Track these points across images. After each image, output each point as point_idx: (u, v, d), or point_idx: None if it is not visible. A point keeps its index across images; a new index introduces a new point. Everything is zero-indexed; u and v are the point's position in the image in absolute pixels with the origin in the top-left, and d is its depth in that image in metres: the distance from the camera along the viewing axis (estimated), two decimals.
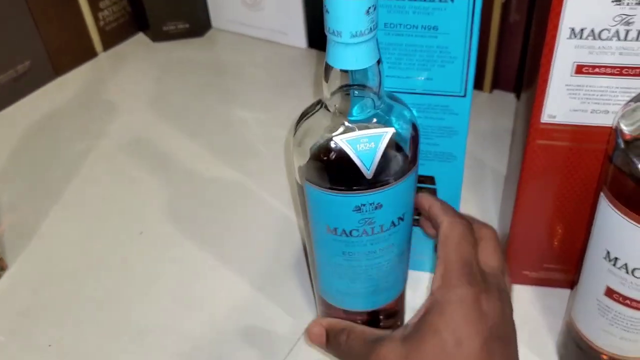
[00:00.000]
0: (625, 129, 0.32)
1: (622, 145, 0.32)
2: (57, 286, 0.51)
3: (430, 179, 0.44)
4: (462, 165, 0.42)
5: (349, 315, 0.42)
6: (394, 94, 0.36)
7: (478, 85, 0.67)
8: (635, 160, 0.31)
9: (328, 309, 0.43)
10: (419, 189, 0.44)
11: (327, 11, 0.29)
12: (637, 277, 0.34)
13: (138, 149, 0.64)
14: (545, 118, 0.38)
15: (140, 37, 0.81)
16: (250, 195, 0.58)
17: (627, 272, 0.34)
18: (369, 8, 0.29)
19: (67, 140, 0.66)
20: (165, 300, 0.50)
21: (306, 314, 0.48)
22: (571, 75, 0.36)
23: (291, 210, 0.56)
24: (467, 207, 0.55)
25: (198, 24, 0.79)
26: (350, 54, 0.30)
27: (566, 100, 0.37)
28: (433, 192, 0.44)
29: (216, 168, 0.61)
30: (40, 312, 0.49)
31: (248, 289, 0.50)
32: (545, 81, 0.36)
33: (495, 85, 0.68)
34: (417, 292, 0.49)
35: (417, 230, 0.41)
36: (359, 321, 0.41)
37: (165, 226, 0.56)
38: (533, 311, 0.47)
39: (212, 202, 0.58)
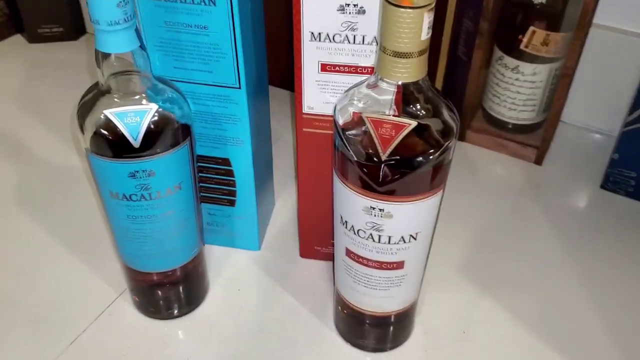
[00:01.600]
0: (340, 119, 0.39)
1: (340, 133, 0.39)
2: None
3: (226, 161, 0.50)
4: (250, 149, 0.49)
5: (146, 277, 0.48)
6: (169, 80, 0.43)
7: None
8: (347, 145, 0.38)
9: (129, 273, 0.49)
10: (218, 170, 0.51)
11: (87, 3, 0.36)
12: (362, 237, 0.42)
13: None
14: (305, 109, 0.45)
15: (17, 38, 0.86)
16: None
17: (355, 233, 0.42)
18: (120, 2, 0.35)
19: None
20: (1, 272, 0.55)
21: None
22: (318, 72, 0.43)
23: None
24: (280, 191, 0.62)
25: (72, 28, 0.84)
26: (110, 39, 0.37)
27: (318, 94, 0.44)
28: (230, 173, 0.51)
29: (65, 156, 0.66)
30: None
31: (76, 260, 0.55)
32: (299, 77, 0.44)
33: None
34: (227, 264, 0.55)
35: (229, 210, 0.47)
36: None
37: (10, 207, 0.60)
38: (321, 282, 0.54)
39: (56, 186, 0.63)
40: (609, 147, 0.66)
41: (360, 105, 0.38)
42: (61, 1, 0.81)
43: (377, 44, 0.41)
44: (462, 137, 0.70)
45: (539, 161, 0.67)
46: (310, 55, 0.43)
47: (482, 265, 0.56)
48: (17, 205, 0.61)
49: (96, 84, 0.40)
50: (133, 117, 0.39)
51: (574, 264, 0.56)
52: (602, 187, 0.64)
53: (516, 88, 0.65)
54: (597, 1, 0.57)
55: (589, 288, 0.54)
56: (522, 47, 0.62)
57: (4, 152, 0.67)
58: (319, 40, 0.42)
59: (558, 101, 0.63)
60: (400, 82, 0.36)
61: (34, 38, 0.84)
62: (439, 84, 0.66)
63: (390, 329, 0.49)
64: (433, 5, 0.33)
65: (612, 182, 0.63)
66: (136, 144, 0.40)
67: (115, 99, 0.40)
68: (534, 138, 0.68)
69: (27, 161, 0.66)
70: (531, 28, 0.61)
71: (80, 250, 0.56)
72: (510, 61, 0.64)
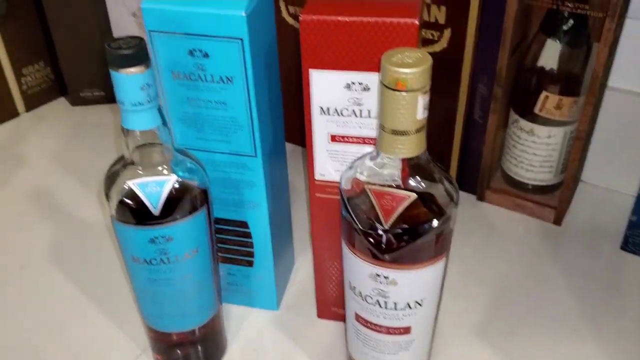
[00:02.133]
0: (345, 189, 0.41)
1: (346, 202, 0.41)
2: None
3: (244, 224, 0.53)
4: (267, 212, 0.51)
5: (166, 336, 0.50)
6: (189, 151, 0.46)
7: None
8: (352, 214, 0.40)
9: (150, 332, 0.51)
10: (236, 232, 0.53)
11: (114, 86, 0.39)
12: (369, 303, 0.43)
13: (35, 196, 0.73)
14: (317, 176, 0.48)
15: (61, 101, 0.91)
16: None
17: (363, 299, 0.43)
18: (143, 86, 0.39)
19: None
20: (28, 322, 0.57)
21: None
22: (328, 143, 0.46)
23: None
24: (301, 249, 0.64)
25: (112, 92, 0.89)
26: (134, 118, 0.40)
27: (329, 162, 0.47)
28: (248, 235, 0.53)
29: (101, 215, 0.70)
30: None
31: (103, 317, 0.58)
32: (311, 147, 0.46)
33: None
34: (245, 323, 0.57)
35: (247, 270, 0.49)
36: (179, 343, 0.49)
37: (44, 263, 0.64)
38: (337, 343, 0.55)
39: (90, 245, 0.66)
40: (629, 207, 0.66)
41: (364, 176, 0.40)
42: (102, 67, 0.87)
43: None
44: (481, 197, 0.71)
45: (557, 221, 0.68)
46: (321, 127, 0.45)
47: (498, 328, 0.56)
48: (49, 261, 0.64)
49: (122, 157, 0.44)
50: (154, 187, 0.42)
51: (592, 328, 0.56)
52: (623, 248, 0.64)
53: (532, 150, 0.66)
54: (608, 67, 0.58)
55: (608, 353, 0.53)
56: (535, 111, 0.64)
57: (42, 209, 0.71)
58: (328, 114, 0.44)
59: (573, 163, 0.64)
60: (399, 158, 0.38)
61: (77, 101, 0.89)
62: (456, 146, 0.68)
63: None
64: (427, 88, 0.35)
65: (632, 243, 0.63)
66: (156, 212, 0.43)
67: (139, 171, 0.43)
68: (553, 198, 0.69)
69: (63, 220, 0.70)
70: (544, 93, 0.62)
71: (107, 307, 0.59)
72: (526, 124, 0.65)
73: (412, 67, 0.34)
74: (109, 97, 0.90)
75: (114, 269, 0.63)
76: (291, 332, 0.56)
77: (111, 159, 0.70)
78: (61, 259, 0.65)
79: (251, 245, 0.54)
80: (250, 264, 0.55)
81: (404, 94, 0.35)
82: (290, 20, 0.69)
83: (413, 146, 0.37)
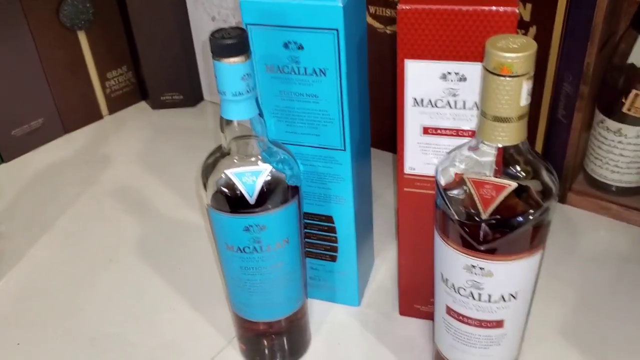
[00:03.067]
0: (442, 180, 0.41)
1: (442, 193, 0.41)
2: (34, 300, 0.62)
3: (329, 218, 0.53)
4: (352, 207, 0.52)
5: (253, 325, 0.51)
6: (281, 143, 0.47)
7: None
8: (448, 204, 0.40)
9: (237, 320, 0.52)
10: (321, 227, 0.54)
11: (215, 77, 0.41)
12: (462, 295, 0.43)
13: (122, 194, 0.76)
14: (407, 170, 0.48)
15: (142, 105, 0.95)
16: (205, 237, 0.68)
17: (455, 291, 0.43)
18: (244, 75, 0.40)
19: (66, 185, 0.78)
20: (118, 312, 0.59)
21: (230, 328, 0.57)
22: (420, 135, 0.46)
23: None
24: (379, 249, 0.64)
25: (191, 96, 0.92)
26: (234, 108, 0.41)
27: (420, 155, 0.47)
28: (332, 230, 0.54)
29: (184, 212, 0.72)
30: (15, 319, 0.59)
31: (190, 308, 0.59)
32: (402, 140, 0.47)
33: None
34: (327, 317, 0.57)
35: (331, 265, 0.50)
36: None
37: (131, 257, 0.66)
38: (420, 340, 0.55)
39: (175, 240, 0.68)
40: None
41: (462, 166, 0.40)
42: (181, 71, 0.90)
43: (477, 108, 0.43)
44: (562, 200, 0.69)
45: None
46: (413, 119, 0.45)
47: (585, 329, 0.54)
48: (138, 255, 0.66)
49: (219, 147, 0.45)
50: (250, 177, 0.43)
51: None
52: None
53: (619, 151, 0.64)
54: None
55: None
56: (624, 110, 0.62)
57: (128, 207, 0.74)
58: (422, 105, 0.44)
59: None
60: (500, 145, 0.37)
61: (157, 104, 0.92)
62: (538, 146, 0.67)
63: None
64: (532, 74, 0.35)
65: None
66: (252, 200, 0.43)
67: (235, 160, 0.44)
68: (639, 201, 0.67)
69: (148, 216, 0.72)
70: (634, 91, 0.61)
71: (194, 299, 0.60)
72: (612, 124, 0.64)
73: (517, 52, 0.34)
74: (188, 100, 0.92)
75: (200, 263, 0.65)
76: (374, 328, 0.56)
77: (190, 159, 0.73)
78: (148, 252, 0.67)
79: (335, 240, 0.54)
80: (333, 259, 0.56)
81: (508, 79, 0.34)
82: (370, 21, 0.70)
83: (515, 134, 0.37)
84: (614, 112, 0.63)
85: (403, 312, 0.57)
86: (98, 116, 0.91)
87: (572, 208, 0.69)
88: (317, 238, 0.55)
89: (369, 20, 0.70)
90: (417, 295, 0.55)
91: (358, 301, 0.58)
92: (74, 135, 0.88)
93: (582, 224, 0.67)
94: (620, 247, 0.64)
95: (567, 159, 0.67)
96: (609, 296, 0.58)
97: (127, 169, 0.81)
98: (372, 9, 0.69)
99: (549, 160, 0.69)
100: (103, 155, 0.84)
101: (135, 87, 0.93)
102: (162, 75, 0.89)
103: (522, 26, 0.61)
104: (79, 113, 0.88)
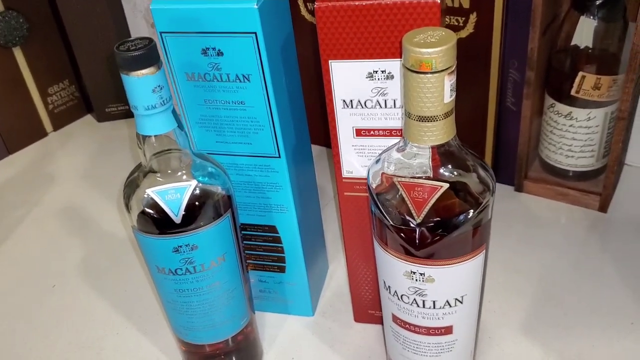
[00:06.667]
0: (374, 184, 0.39)
1: (375, 197, 0.39)
2: None
3: (272, 228, 0.51)
4: (295, 215, 0.49)
5: (198, 348, 0.49)
6: (210, 155, 0.44)
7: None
8: (382, 209, 0.38)
9: (181, 345, 0.49)
10: (265, 237, 0.52)
11: (126, 91, 0.38)
12: (406, 303, 0.41)
13: (65, 214, 0.73)
14: (345, 174, 0.46)
15: (88, 118, 0.91)
16: None
17: (399, 299, 0.41)
18: (155, 88, 0.37)
19: (9, 208, 0.75)
20: (63, 341, 0.57)
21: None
22: (353, 137, 0.44)
23: None
24: (334, 254, 0.62)
25: None
26: (149, 122, 0.39)
27: (356, 158, 0.44)
28: (277, 240, 0.51)
29: (129, 230, 0.69)
30: None
31: (136, 331, 0.57)
32: (336, 144, 0.44)
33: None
34: (281, 331, 0.55)
35: (280, 276, 0.47)
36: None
37: (76, 280, 0.63)
38: (376, 346, 0.53)
39: (119, 260, 0.65)
40: None
41: (392, 169, 0.38)
42: None
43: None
44: (519, 188, 0.68)
45: (603, 208, 0.64)
46: (345, 122, 0.43)
47: (547, 324, 0.53)
48: (83, 278, 0.63)
49: (139, 165, 0.42)
50: (174, 194, 0.41)
51: None
52: None
53: (571, 135, 0.63)
54: None
55: None
56: (572, 92, 0.60)
57: (72, 227, 0.71)
58: (351, 107, 0.42)
59: (616, 145, 0.60)
60: (428, 146, 0.35)
61: (103, 117, 0.89)
62: (489, 136, 0.65)
63: None
64: (454, 68, 0.33)
65: None
66: (177, 219, 0.41)
67: (158, 178, 0.41)
68: (597, 184, 0.65)
69: (92, 236, 0.69)
70: (580, 73, 0.59)
71: (140, 323, 0.58)
72: (563, 108, 0.62)
73: (435, 47, 0.32)
74: None
75: (145, 284, 0.62)
76: (328, 337, 0.54)
77: None
78: (92, 275, 0.64)
79: (282, 250, 0.52)
80: (282, 269, 0.53)
81: (429, 76, 0.32)
82: (308, 17, 0.67)
83: (442, 132, 0.35)
84: (563, 95, 0.62)
85: (358, 318, 0.55)
86: (42, 133, 0.87)
87: (530, 196, 0.68)
88: (262, 249, 0.53)
89: (306, 16, 0.67)
90: (369, 301, 0.53)
91: (312, 311, 0.56)
92: (18, 156, 0.84)
93: (539, 212, 0.66)
94: (579, 232, 0.62)
95: (520, 146, 0.65)
96: (570, 286, 0.56)
97: (72, 187, 0.78)
98: (309, 6, 0.67)
99: (502, 150, 0.68)
100: (47, 174, 0.80)
101: (80, 100, 0.90)
102: (106, 86, 0.86)
103: (462, 13, 0.59)
104: (22, 132, 0.85)
